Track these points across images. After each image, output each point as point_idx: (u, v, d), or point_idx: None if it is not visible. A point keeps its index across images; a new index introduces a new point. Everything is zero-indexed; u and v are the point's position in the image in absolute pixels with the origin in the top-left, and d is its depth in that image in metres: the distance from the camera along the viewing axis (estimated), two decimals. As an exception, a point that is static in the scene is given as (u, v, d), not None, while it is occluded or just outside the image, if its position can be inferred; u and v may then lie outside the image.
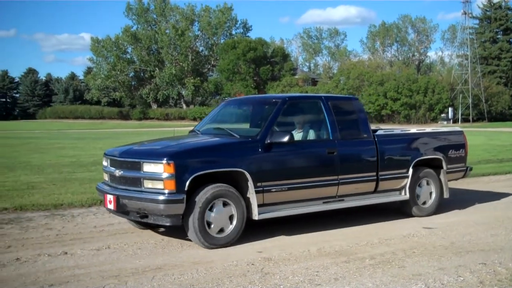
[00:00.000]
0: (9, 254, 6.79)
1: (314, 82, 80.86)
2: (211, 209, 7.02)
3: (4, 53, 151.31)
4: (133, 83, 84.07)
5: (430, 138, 9.62)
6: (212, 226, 7.03)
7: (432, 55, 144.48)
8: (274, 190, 7.46)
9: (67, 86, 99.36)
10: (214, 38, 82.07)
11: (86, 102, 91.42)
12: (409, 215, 9.17)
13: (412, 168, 9.01)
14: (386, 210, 9.77)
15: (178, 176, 6.76)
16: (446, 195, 9.55)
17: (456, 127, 10.42)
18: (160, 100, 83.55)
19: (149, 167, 6.94)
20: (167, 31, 78.17)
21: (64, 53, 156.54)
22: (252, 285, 5.66)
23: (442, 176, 9.50)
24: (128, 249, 7.09)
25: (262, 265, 6.35)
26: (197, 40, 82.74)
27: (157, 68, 79.79)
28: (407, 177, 8.97)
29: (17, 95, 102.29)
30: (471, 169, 10.32)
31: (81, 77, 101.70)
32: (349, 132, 8.48)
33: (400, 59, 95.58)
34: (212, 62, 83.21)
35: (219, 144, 7.70)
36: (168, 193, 6.75)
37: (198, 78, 79.66)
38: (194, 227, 6.87)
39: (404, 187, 8.99)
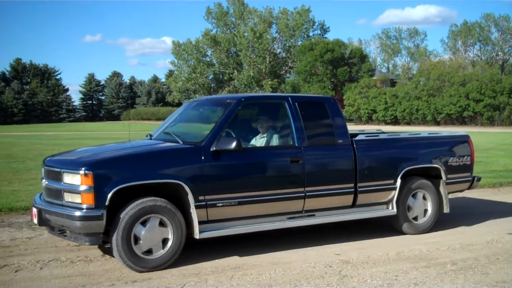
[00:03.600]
0: (95, 251, 7.13)
1: (392, 83, 79.29)
2: (141, 226, 6.15)
3: (90, 57, 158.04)
4: (212, 85, 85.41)
5: (426, 144, 8.38)
6: (140, 246, 6.14)
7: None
8: (220, 204, 6.53)
9: (150, 89, 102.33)
10: (292, 40, 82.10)
11: (168, 104, 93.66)
12: (400, 232, 8.08)
13: (401, 178, 7.83)
14: (467, 214, 9.50)
15: (98, 189, 5.91)
16: (446, 209, 8.30)
17: (461, 131, 9.18)
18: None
19: (68, 178, 6.13)
20: (246, 34, 78.92)
21: (146, 56, 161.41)
22: (329, 287, 5.67)
23: (441, 188, 8.28)
24: (204, 247, 7.23)
25: (340, 267, 6.35)
26: (274, 42, 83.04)
27: (235, 71, 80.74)
28: (395, 189, 7.81)
29: (103, 98, 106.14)
30: (479, 179, 8.96)
31: (163, 80, 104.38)
32: (320, 137, 7.46)
33: (483, 59, 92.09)
34: (290, 64, 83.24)
35: (151, 152, 6.80)
36: (86, 209, 5.91)
37: (276, 80, 79.91)
38: (117, 247, 6.02)
39: (391, 200, 7.87)
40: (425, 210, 8.19)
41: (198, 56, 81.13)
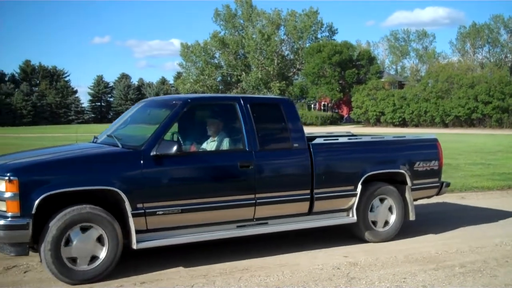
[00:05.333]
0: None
1: (401, 85, 79.16)
2: (71, 236, 5.75)
3: (99, 59, 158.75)
4: (220, 87, 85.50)
5: (390, 148, 7.94)
6: (71, 257, 5.76)
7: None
8: (161, 212, 6.14)
9: (158, 91, 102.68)
10: (300, 42, 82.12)
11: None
12: (363, 240, 7.68)
13: (362, 184, 7.41)
14: (476, 216, 9.46)
15: (24, 196, 5.51)
16: (412, 216, 7.89)
17: (430, 134, 8.70)
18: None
19: None
20: (254, 36, 79.04)
21: (155, 58, 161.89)
22: (337, 289, 5.67)
23: (406, 194, 7.86)
24: (214, 249, 7.24)
25: (348, 269, 6.34)
26: (282, 44, 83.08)
27: (243, 73, 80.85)
28: (355, 195, 7.40)
29: (111, 99, 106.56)
30: (448, 184, 8.57)
31: (171, 82, 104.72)
32: (273, 141, 7.07)
33: (492, 60, 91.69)
34: (298, 66, 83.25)
35: (84, 156, 6.43)
36: (11, 217, 5.51)
37: (284, 82, 79.94)
38: (45, 258, 5.63)
39: (352, 207, 7.47)
40: (389, 218, 7.79)
41: (206, 58, 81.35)
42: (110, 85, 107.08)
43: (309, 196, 7.08)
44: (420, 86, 67.75)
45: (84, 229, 5.80)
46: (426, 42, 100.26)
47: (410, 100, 64.47)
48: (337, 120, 74.38)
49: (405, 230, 8.34)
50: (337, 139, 7.81)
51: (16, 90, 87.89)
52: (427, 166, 8.06)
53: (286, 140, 7.08)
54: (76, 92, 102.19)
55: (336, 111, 79.49)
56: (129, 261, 6.56)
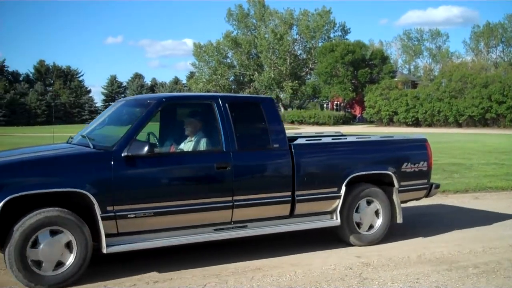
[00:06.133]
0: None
1: (414, 85, 78.82)
2: (38, 240, 5.54)
3: (112, 59, 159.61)
4: (233, 87, 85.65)
5: (376, 149, 7.68)
6: (37, 261, 5.54)
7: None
8: (132, 215, 5.92)
9: (171, 90, 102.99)
10: (312, 42, 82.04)
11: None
12: (347, 243, 7.42)
13: (346, 186, 7.17)
14: (489, 217, 9.41)
15: None
16: (399, 219, 7.64)
17: (419, 134, 8.43)
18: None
19: None
20: (266, 35, 79.10)
21: (167, 58, 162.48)
22: (350, 289, 5.67)
23: (394, 196, 7.61)
24: (225, 249, 7.27)
25: (361, 270, 6.34)
26: (295, 43, 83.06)
27: (256, 72, 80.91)
28: (339, 197, 7.17)
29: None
30: (437, 186, 8.27)
31: (184, 82, 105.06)
32: (252, 141, 6.83)
33: (506, 60, 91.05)
34: (310, 66, 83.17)
35: (52, 157, 6.20)
36: None
37: (296, 81, 79.94)
38: (9, 263, 5.41)
39: (335, 209, 7.25)
40: (375, 220, 7.54)
41: (219, 58, 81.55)
42: (124, 84, 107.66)
43: (290, 198, 6.87)
44: (433, 85, 67.39)
45: (53, 233, 5.59)
46: (439, 41, 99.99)
47: (424, 99, 64.15)
48: (349, 120, 74.18)
49: (417, 230, 8.33)
50: (320, 140, 7.52)
51: (31, 90, 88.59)
52: (415, 167, 7.80)
53: (266, 140, 6.85)
54: (89, 91, 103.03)
55: (349, 110, 79.29)
56: (141, 260, 6.62)
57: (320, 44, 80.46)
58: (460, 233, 8.25)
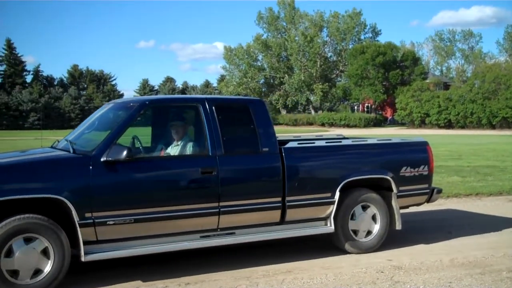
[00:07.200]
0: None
1: (446, 86, 77.84)
2: (13, 247, 5.38)
3: (144, 63, 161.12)
4: (263, 89, 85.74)
5: (372, 153, 7.40)
6: (13, 269, 5.37)
7: None
8: (111, 222, 5.72)
9: (202, 94, 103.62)
10: (343, 44, 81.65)
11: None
12: (343, 251, 7.16)
13: (340, 191, 6.91)
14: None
15: None
16: (398, 226, 7.36)
17: (419, 137, 8.17)
18: (289, 106, 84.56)
19: None
20: (297, 38, 78.99)
21: (198, 61, 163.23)
22: (381, 292, 5.65)
23: (392, 201, 7.33)
24: (256, 252, 7.29)
25: (392, 273, 6.30)
26: (325, 46, 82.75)
27: (286, 75, 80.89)
28: (333, 203, 6.91)
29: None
30: (439, 191, 7.94)
31: (215, 85, 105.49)
32: (240, 145, 6.63)
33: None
34: (341, 68, 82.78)
35: (28, 162, 6.04)
36: None
37: (327, 83, 79.67)
38: None
39: (329, 216, 6.99)
40: (372, 227, 7.27)
41: (249, 61, 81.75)
42: (155, 88, 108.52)
43: (280, 204, 6.63)
44: (466, 87, 66.43)
45: (28, 240, 5.43)
46: (472, 42, 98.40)
47: (456, 101, 63.26)
48: (380, 122, 73.57)
49: (449, 233, 8.23)
50: (313, 143, 7.26)
51: (65, 94, 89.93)
52: (415, 172, 7.50)
53: (255, 144, 6.61)
54: (122, 95, 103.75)
55: (380, 112, 78.67)
56: (173, 262, 6.70)
57: (350, 46, 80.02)
58: (494, 236, 8.14)
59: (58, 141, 6.90)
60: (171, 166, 6.29)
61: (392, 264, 6.67)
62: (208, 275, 6.21)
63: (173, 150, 6.53)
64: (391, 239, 7.78)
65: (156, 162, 6.35)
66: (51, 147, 6.86)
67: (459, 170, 16.34)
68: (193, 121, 6.70)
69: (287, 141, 7.18)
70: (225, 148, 6.37)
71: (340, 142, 7.50)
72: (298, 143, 7.10)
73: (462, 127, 62.70)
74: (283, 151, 6.70)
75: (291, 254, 7.13)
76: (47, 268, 5.50)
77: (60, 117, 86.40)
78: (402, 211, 7.56)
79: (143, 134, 6.73)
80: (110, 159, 5.77)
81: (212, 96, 8.03)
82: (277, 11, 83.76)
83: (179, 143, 6.56)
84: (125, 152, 5.75)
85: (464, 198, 11.79)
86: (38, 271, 5.48)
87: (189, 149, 6.47)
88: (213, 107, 6.50)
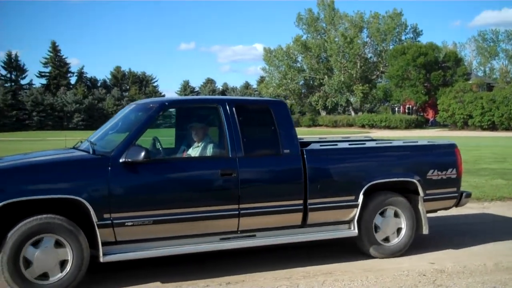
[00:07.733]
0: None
1: (489, 87, 76.17)
2: (32, 248, 5.41)
3: (185, 64, 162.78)
4: (303, 90, 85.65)
5: (398, 155, 7.27)
6: (32, 269, 5.40)
7: None
8: (130, 223, 5.73)
9: (242, 95, 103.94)
10: (383, 44, 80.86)
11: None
12: (367, 255, 7.03)
13: (364, 194, 6.77)
14: None
15: None
16: (425, 230, 7.15)
17: (449, 140, 7.89)
18: (329, 107, 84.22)
19: None
20: (336, 39, 78.62)
21: (238, 63, 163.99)
22: (423, 296, 5.60)
23: (419, 205, 7.14)
24: (297, 252, 7.29)
25: (435, 276, 6.23)
26: (365, 47, 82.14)
27: (326, 76, 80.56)
28: (356, 206, 6.78)
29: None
30: (468, 195, 7.68)
31: (254, 86, 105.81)
32: (260, 147, 6.53)
33: None
34: (381, 69, 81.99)
35: (47, 163, 6.04)
36: None
37: (367, 85, 79.04)
38: (3, 270, 5.32)
39: (353, 219, 6.85)
40: (398, 230, 7.11)
41: (289, 62, 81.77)
42: (196, 89, 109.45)
43: (302, 207, 6.53)
44: (510, 88, 64.94)
45: (46, 240, 5.46)
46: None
47: (500, 102, 61.85)
48: (422, 124, 72.49)
49: (495, 236, 8.09)
50: (336, 145, 7.22)
51: (108, 95, 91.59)
52: (442, 175, 7.27)
53: (276, 145, 6.51)
54: (164, 97, 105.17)
55: (421, 114, 77.56)
56: (214, 262, 6.76)
57: (391, 47, 79.23)
58: (540, 241, 7.95)
59: (81, 142, 6.89)
60: (190, 168, 6.26)
61: (434, 267, 6.59)
62: (248, 276, 6.26)
63: (194, 151, 6.52)
64: (433, 242, 7.71)
65: (175, 164, 6.33)
66: (73, 147, 6.90)
67: (503, 173, 16.02)
68: (213, 122, 6.66)
69: (309, 143, 7.12)
70: (245, 149, 6.32)
71: (364, 144, 7.44)
72: (320, 145, 7.04)
73: (506, 129, 61.28)
74: (304, 153, 6.62)
75: (332, 255, 7.11)
76: (67, 267, 5.53)
77: (103, 117, 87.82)
78: (442, 213, 7.45)
79: (168, 136, 6.77)
80: (128, 160, 5.76)
81: (233, 97, 8.11)
82: (316, 12, 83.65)
83: (199, 144, 6.53)
84: (143, 153, 5.75)
85: (508, 201, 11.56)
86: (56, 271, 5.51)
87: (209, 151, 6.43)
88: (234, 108, 6.45)
